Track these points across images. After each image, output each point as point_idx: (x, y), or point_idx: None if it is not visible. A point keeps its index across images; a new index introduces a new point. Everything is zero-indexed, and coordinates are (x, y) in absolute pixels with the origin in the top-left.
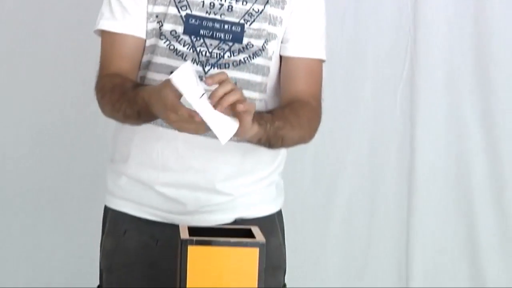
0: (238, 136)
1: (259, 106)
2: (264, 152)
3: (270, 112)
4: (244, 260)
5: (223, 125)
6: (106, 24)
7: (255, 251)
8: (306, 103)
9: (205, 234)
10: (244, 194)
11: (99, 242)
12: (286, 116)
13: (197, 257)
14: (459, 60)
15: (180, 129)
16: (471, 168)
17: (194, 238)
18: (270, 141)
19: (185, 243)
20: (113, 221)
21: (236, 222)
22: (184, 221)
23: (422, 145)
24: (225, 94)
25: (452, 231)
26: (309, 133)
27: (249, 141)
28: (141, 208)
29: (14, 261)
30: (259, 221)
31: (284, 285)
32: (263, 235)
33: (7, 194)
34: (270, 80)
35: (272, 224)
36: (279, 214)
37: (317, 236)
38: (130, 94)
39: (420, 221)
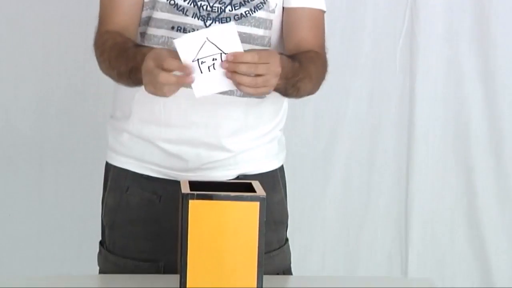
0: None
1: None
2: (267, 108)
3: (299, 59)
4: (245, 214)
5: (207, 82)
6: None
7: (256, 205)
8: (319, 53)
9: (206, 189)
10: (246, 149)
11: (101, 198)
12: (308, 68)
13: (198, 211)
14: (459, 16)
15: (154, 87)
16: (470, 122)
17: (195, 193)
18: (287, 91)
19: (186, 197)
20: (115, 178)
21: (238, 178)
22: (186, 178)
23: (421, 101)
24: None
25: (451, 185)
26: (318, 86)
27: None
28: (143, 165)
29: (16, 218)
30: (262, 177)
31: (287, 239)
32: (265, 190)
33: (9, 151)
34: (273, 33)
35: (274, 180)
36: (281, 169)
37: (316, 190)
38: (130, 51)
39: (419, 176)
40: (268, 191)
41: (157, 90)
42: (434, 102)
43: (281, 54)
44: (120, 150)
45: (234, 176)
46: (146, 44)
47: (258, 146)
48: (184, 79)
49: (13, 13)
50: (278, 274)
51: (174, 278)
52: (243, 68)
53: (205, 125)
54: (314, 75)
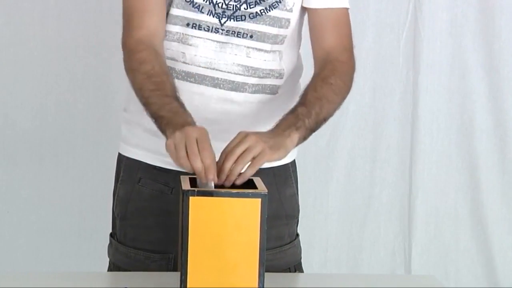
0: (278, 159)
1: (273, 58)
2: (279, 104)
3: (303, 101)
4: (246, 211)
5: None
6: None
7: (257, 201)
8: (336, 62)
9: None
10: None
11: (112, 190)
12: (321, 95)
13: (199, 208)
14: (463, 8)
15: (183, 165)
16: (475, 114)
17: (196, 189)
18: (314, 131)
19: (187, 194)
20: (128, 169)
21: None
22: None
23: (425, 94)
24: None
25: (455, 181)
26: (346, 91)
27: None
28: (156, 157)
29: (27, 206)
30: (274, 171)
31: (297, 234)
32: (278, 184)
33: (20, 141)
34: (291, 32)
35: (287, 174)
36: (293, 164)
37: (319, 185)
38: (168, 101)
39: (422, 171)
40: (280, 185)
41: (179, 157)
42: (438, 96)
43: (284, 115)
44: (133, 142)
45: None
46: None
47: None
48: (202, 176)
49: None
50: (289, 268)
51: (176, 276)
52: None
53: (217, 121)
54: (333, 95)
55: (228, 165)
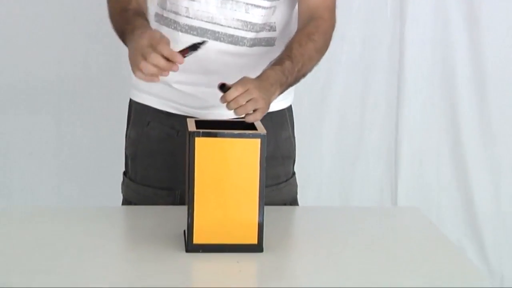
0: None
1: (268, 13)
2: (275, 55)
3: (289, 54)
4: (247, 150)
5: None
6: None
7: (257, 141)
8: (320, 20)
9: (212, 127)
10: None
11: (124, 133)
12: (304, 51)
13: (204, 147)
14: None
15: (137, 64)
16: (456, 63)
17: (201, 131)
18: (291, 86)
19: (193, 135)
20: (138, 113)
21: None
22: (202, 115)
23: (411, 45)
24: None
25: (438, 123)
26: (326, 49)
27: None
28: (163, 102)
29: (48, 149)
30: (271, 115)
31: (294, 173)
32: (274, 128)
33: (42, 91)
34: (281, 3)
35: (283, 118)
36: (289, 109)
37: (314, 127)
38: (132, 16)
39: (408, 114)
40: (276, 129)
41: (139, 69)
42: (423, 46)
43: (272, 66)
44: (142, 88)
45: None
46: (162, 23)
47: None
48: (171, 66)
49: None
50: (285, 204)
51: (182, 209)
52: (234, 105)
53: (218, 71)
54: (314, 52)
55: (234, 105)
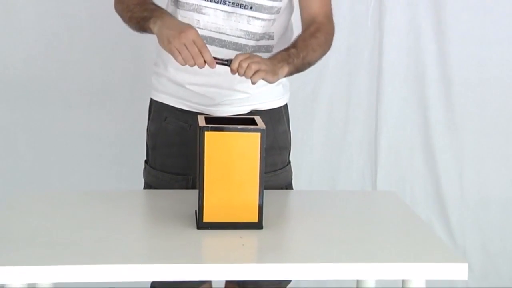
0: (273, 82)
1: (268, 25)
2: None
3: (294, 45)
4: (249, 143)
5: None
6: None
7: (258, 135)
8: (321, 24)
9: (219, 123)
10: (258, 92)
11: (146, 127)
12: (307, 44)
13: (212, 140)
14: None
15: (177, 50)
16: (426, 67)
17: (210, 126)
18: (299, 70)
19: (203, 129)
20: (157, 110)
21: (251, 113)
22: (211, 111)
23: (389, 51)
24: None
25: (412, 118)
26: (328, 47)
27: (284, 77)
28: (178, 101)
29: (80, 140)
30: (269, 112)
31: (289, 161)
32: (272, 123)
33: (73, 89)
34: (284, 3)
35: (279, 115)
36: (285, 107)
37: (306, 123)
38: (148, 5)
39: (386, 111)
40: (274, 124)
41: (186, 59)
42: (398, 52)
43: (280, 51)
44: (161, 89)
45: (248, 111)
46: (180, 9)
47: (267, 89)
48: (201, 65)
49: None
50: (282, 188)
51: (195, 193)
52: (241, 70)
53: (224, 74)
54: (316, 45)
55: (240, 70)
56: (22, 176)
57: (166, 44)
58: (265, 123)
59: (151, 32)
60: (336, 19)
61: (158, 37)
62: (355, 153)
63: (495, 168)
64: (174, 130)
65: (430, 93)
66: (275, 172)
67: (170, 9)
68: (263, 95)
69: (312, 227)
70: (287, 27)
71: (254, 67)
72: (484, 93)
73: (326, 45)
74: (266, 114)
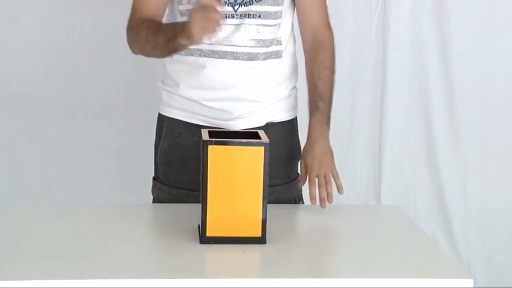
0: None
1: (275, 30)
2: (288, 70)
3: (320, 96)
4: (253, 157)
5: None
6: None
7: (261, 149)
8: (324, 42)
9: (222, 137)
10: (272, 103)
11: (154, 143)
12: (326, 83)
13: (216, 154)
14: None
15: (204, 25)
16: (429, 80)
17: (213, 139)
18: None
19: (206, 143)
20: (170, 126)
21: (267, 125)
22: (227, 126)
23: (392, 65)
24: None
25: (415, 131)
26: (335, 64)
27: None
28: (194, 116)
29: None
30: (284, 124)
31: (298, 173)
32: (287, 134)
33: (79, 104)
34: (285, 7)
35: (293, 126)
36: (295, 119)
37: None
38: (167, 26)
39: (390, 124)
40: (288, 135)
41: (208, 26)
42: (402, 66)
43: (312, 113)
44: (174, 105)
45: (264, 123)
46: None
47: (280, 100)
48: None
49: None
50: (295, 199)
51: (199, 207)
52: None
53: (239, 85)
54: (332, 74)
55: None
56: (25, 187)
57: (201, 31)
58: (280, 135)
59: (183, 45)
60: (340, 33)
61: (191, 37)
62: (359, 166)
63: (499, 181)
64: (189, 145)
65: (434, 105)
66: (291, 183)
67: None
68: (277, 106)
69: (315, 242)
70: (290, 33)
71: (329, 187)
72: (487, 106)
73: (335, 65)
74: (281, 126)
